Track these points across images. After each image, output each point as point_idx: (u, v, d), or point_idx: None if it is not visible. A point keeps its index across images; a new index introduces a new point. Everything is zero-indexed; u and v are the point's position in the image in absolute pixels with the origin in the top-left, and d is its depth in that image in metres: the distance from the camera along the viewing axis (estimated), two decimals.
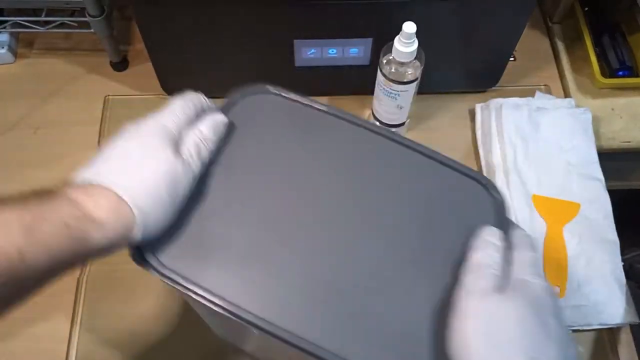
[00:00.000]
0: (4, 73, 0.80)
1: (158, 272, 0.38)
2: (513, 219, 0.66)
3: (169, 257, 0.39)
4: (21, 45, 0.83)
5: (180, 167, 0.38)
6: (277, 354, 0.51)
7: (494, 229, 0.40)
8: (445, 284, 0.38)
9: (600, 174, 0.69)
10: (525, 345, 0.34)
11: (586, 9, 0.83)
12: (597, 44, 0.81)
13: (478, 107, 0.75)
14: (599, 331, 0.63)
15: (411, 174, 0.43)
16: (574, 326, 0.61)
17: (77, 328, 0.62)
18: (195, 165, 0.40)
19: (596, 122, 0.75)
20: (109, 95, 0.78)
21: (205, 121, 0.42)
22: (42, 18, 0.75)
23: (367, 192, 0.42)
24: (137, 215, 0.36)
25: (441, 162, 0.44)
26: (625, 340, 0.63)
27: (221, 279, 0.38)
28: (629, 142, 0.76)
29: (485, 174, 0.71)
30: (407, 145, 0.44)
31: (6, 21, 0.76)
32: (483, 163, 0.72)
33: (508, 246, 0.40)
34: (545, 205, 0.67)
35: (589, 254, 0.64)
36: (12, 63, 0.81)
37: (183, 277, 0.38)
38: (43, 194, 0.35)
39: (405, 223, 0.41)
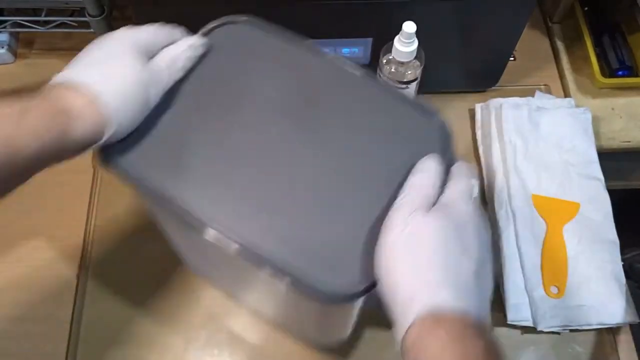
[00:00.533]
0: (3, 73, 0.80)
1: (124, 173, 0.41)
2: (513, 219, 0.66)
3: (134, 161, 0.42)
4: (21, 45, 0.83)
5: (147, 73, 0.41)
6: (228, 272, 0.55)
7: (434, 155, 0.42)
8: (383, 205, 0.41)
9: (600, 174, 0.69)
10: (441, 258, 0.36)
11: (586, 8, 0.83)
12: (597, 43, 0.81)
13: (478, 107, 0.75)
14: (599, 331, 0.63)
15: (366, 105, 0.46)
16: (573, 326, 0.61)
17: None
18: (165, 74, 0.43)
19: (596, 122, 0.76)
20: None
21: (182, 41, 0.46)
22: (42, 18, 0.75)
23: (320, 120, 0.45)
24: (110, 111, 0.39)
25: (398, 96, 0.47)
26: (625, 340, 0.63)
27: (181, 184, 0.41)
28: (629, 142, 0.76)
29: (485, 173, 0.71)
30: (367, 77, 0.47)
31: (6, 21, 0.76)
32: (483, 163, 0.72)
33: (448, 176, 0.41)
34: (545, 205, 0.67)
35: (589, 254, 0.64)
36: (12, 63, 0.81)
37: (143, 179, 0.41)
38: (26, 94, 0.38)
39: (353, 149, 0.44)
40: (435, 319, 0.34)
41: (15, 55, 0.82)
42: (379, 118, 0.45)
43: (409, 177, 0.41)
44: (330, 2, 0.62)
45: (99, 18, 0.71)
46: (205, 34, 0.48)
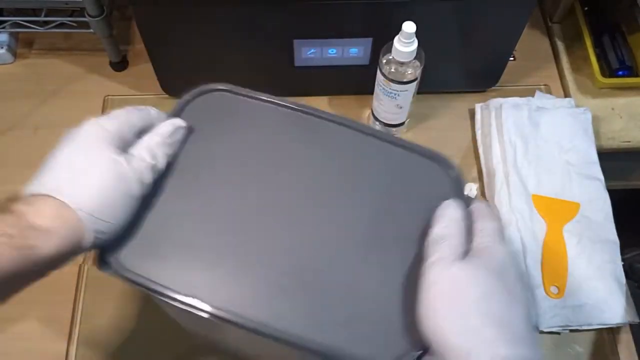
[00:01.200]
0: (3, 73, 0.80)
1: (122, 275, 0.38)
2: (513, 219, 0.66)
3: (131, 259, 0.39)
4: (21, 45, 0.83)
5: (125, 167, 0.38)
6: (249, 345, 0.51)
7: (452, 201, 0.41)
8: (409, 262, 0.39)
9: (600, 174, 0.69)
10: (490, 308, 0.34)
11: (586, 8, 0.83)
12: (597, 43, 0.81)
13: (478, 107, 0.75)
14: (599, 331, 0.63)
15: (368, 158, 0.44)
16: (573, 326, 0.61)
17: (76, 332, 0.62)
18: (147, 166, 0.39)
19: (596, 122, 0.75)
20: (108, 96, 0.78)
21: (160, 126, 0.42)
22: (42, 18, 0.75)
23: (324, 180, 0.43)
24: (84, 218, 0.36)
25: (397, 145, 0.45)
26: (625, 340, 0.63)
27: (184, 276, 0.39)
28: (629, 142, 0.76)
29: (485, 174, 0.71)
30: (362, 130, 0.45)
31: (6, 21, 0.76)
32: (483, 163, 0.72)
33: (469, 219, 0.40)
34: (545, 205, 0.67)
35: (589, 254, 0.64)
36: (11, 63, 0.81)
37: (146, 279, 0.38)
38: None
39: (365, 207, 0.42)
40: None
41: (15, 55, 0.82)
42: (385, 171, 0.43)
43: (432, 228, 0.39)
44: (330, 2, 0.62)
45: (98, 18, 0.71)
46: (181, 109, 0.45)
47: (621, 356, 0.62)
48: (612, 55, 0.80)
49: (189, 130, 0.44)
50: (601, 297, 0.62)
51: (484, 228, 0.39)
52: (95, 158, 0.38)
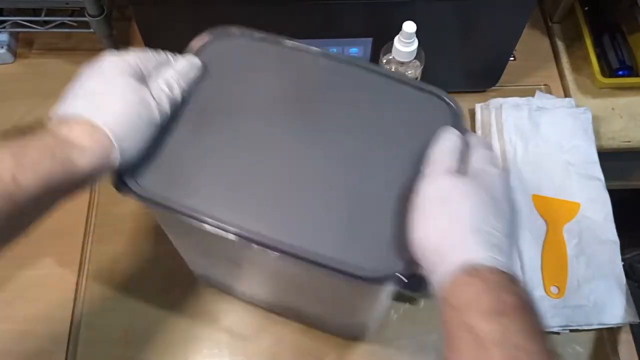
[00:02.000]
0: (3, 73, 0.80)
1: (140, 196, 0.41)
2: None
3: (147, 182, 0.42)
4: (21, 45, 0.83)
5: (146, 94, 0.41)
6: (249, 276, 0.56)
7: (451, 128, 0.43)
8: (408, 181, 0.42)
9: (600, 174, 0.69)
10: (473, 216, 0.37)
11: (586, 8, 0.83)
12: (597, 43, 0.81)
13: (478, 107, 0.75)
14: (599, 331, 0.63)
15: (372, 94, 0.47)
16: (573, 326, 0.61)
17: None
18: (165, 95, 0.42)
19: (596, 122, 0.75)
20: None
21: (177, 62, 0.45)
22: (42, 18, 0.75)
23: (327, 116, 0.45)
24: (112, 138, 0.39)
25: (399, 81, 0.48)
26: (625, 340, 0.63)
27: (197, 196, 0.41)
28: (629, 142, 0.76)
29: None
30: (366, 68, 0.48)
31: (6, 21, 0.76)
32: None
33: (465, 146, 0.42)
34: (545, 205, 0.67)
35: (589, 254, 0.64)
36: (11, 63, 0.81)
37: (163, 198, 0.41)
38: (24, 133, 0.37)
39: (367, 137, 0.44)
40: (472, 271, 0.35)
41: (15, 55, 0.82)
42: (385, 104, 0.46)
43: (430, 150, 0.42)
44: (330, 2, 0.62)
45: (98, 18, 0.71)
46: (197, 51, 0.48)
47: (621, 356, 0.62)
48: (612, 55, 0.80)
49: (204, 70, 0.47)
50: (601, 297, 0.62)
51: (477, 154, 0.42)
52: (119, 84, 0.41)
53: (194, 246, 0.54)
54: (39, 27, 0.76)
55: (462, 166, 0.41)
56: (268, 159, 0.43)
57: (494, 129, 0.72)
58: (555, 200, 0.68)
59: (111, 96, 0.40)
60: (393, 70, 0.63)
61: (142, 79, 0.42)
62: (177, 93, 0.44)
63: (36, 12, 0.78)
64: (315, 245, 0.39)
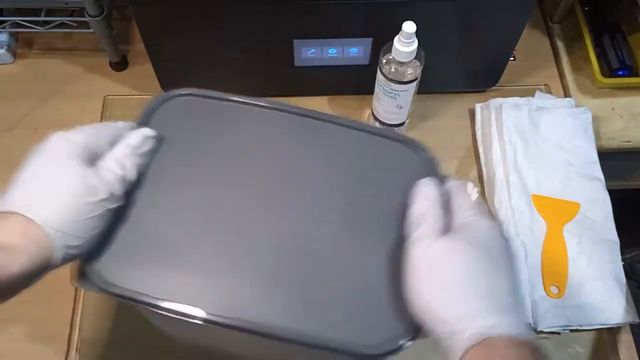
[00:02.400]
0: (3, 73, 0.80)
1: (102, 289, 0.38)
2: (512, 219, 0.66)
3: (110, 272, 0.38)
4: (20, 45, 0.83)
5: (94, 179, 0.37)
6: (238, 344, 0.51)
7: (426, 179, 0.41)
8: (392, 245, 0.39)
9: (600, 174, 0.69)
10: (474, 280, 0.35)
11: (586, 8, 0.83)
12: (597, 43, 0.81)
13: (478, 107, 0.75)
14: (599, 331, 0.63)
15: (338, 147, 0.44)
16: (573, 326, 0.61)
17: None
18: (116, 178, 0.39)
19: (596, 121, 0.75)
20: (108, 95, 0.78)
21: (128, 137, 0.41)
22: (42, 18, 0.75)
23: (299, 172, 0.43)
24: (52, 234, 0.35)
25: (366, 131, 0.45)
26: (625, 340, 0.63)
27: (166, 283, 0.38)
28: (629, 142, 0.76)
29: (485, 173, 0.71)
30: (329, 120, 0.45)
31: (5, 21, 0.76)
32: (483, 163, 0.72)
33: (446, 196, 0.41)
34: (545, 205, 0.67)
35: (589, 254, 0.64)
36: (11, 63, 0.81)
37: (127, 289, 0.38)
38: None
39: (341, 196, 0.42)
40: (487, 345, 0.33)
41: (15, 55, 0.82)
42: (359, 158, 0.44)
43: (410, 208, 0.40)
44: (330, 2, 0.62)
45: (98, 18, 0.71)
46: (147, 117, 0.44)
47: (621, 356, 0.62)
48: (612, 55, 0.80)
49: (159, 139, 0.43)
50: (601, 297, 0.62)
51: (461, 204, 0.39)
52: (62, 171, 0.37)
53: (171, 327, 0.51)
54: (39, 27, 0.76)
55: (447, 218, 0.39)
56: (239, 232, 0.40)
57: (494, 129, 0.72)
58: (555, 200, 0.68)
59: (53, 186, 0.36)
60: (393, 70, 0.63)
61: (92, 159, 0.39)
62: (131, 171, 0.40)
63: (36, 12, 0.78)
64: (312, 326, 0.37)
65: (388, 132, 0.45)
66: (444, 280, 0.36)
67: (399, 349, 0.37)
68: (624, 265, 0.64)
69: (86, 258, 0.38)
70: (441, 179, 0.42)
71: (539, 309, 0.61)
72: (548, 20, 0.85)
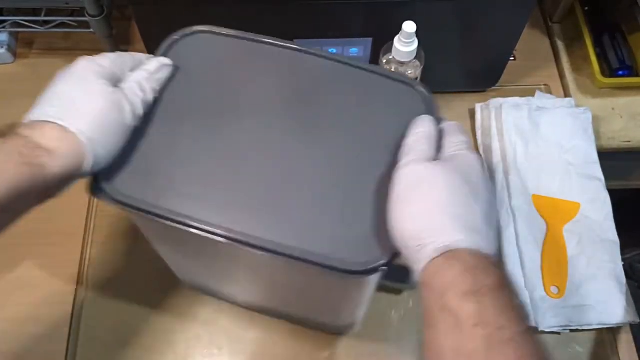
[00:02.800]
0: (3, 73, 0.80)
1: (115, 199, 0.40)
2: (513, 219, 0.66)
3: (124, 186, 0.41)
4: (21, 45, 0.83)
5: (115, 96, 0.41)
6: (234, 278, 0.55)
7: (424, 116, 0.44)
8: (387, 171, 0.42)
9: (600, 174, 0.69)
10: (449, 201, 0.37)
11: (586, 8, 0.83)
12: (597, 43, 0.81)
13: (478, 107, 0.75)
14: (599, 331, 0.63)
15: (343, 86, 0.47)
16: (573, 326, 0.61)
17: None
18: (138, 97, 0.42)
19: (596, 121, 0.75)
20: None
21: (148, 63, 0.45)
22: (42, 18, 0.75)
23: (306, 111, 0.45)
24: (84, 142, 0.38)
25: (369, 71, 0.47)
26: (625, 340, 0.63)
27: (176, 198, 0.41)
28: (629, 142, 0.76)
29: None
30: (336, 60, 0.48)
31: (6, 21, 0.76)
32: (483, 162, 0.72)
33: (440, 133, 0.43)
34: (545, 205, 0.67)
35: (589, 254, 0.64)
36: (11, 63, 0.81)
37: (138, 201, 0.41)
38: None
39: (344, 132, 0.44)
40: (450, 255, 0.35)
41: (15, 55, 0.82)
42: (359, 96, 0.46)
43: (406, 139, 0.42)
44: (330, 2, 0.62)
45: (98, 18, 0.71)
46: (167, 51, 0.47)
47: (621, 356, 0.62)
48: (612, 55, 0.80)
49: (175, 69, 0.46)
50: (601, 297, 0.62)
51: (452, 140, 0.42)
52: (91, 88, 0.40)
53: (175, 251, 0.54)
54: (39, 27, 0.76)
55: (437, 154, 0.41)
56: (246, 157, 0.43)
57: (494, 129, 0.72)
58: (555, 200, 0.68)
59: (84, 100, 0.40)
60: (393, 70, 0.63)
61: (116, 81, 0.42)
62: (149, 94, 0.43)
63: (36, 12, 0.78)
64: (301, 243, 0.39)
65: (391, 74, 0.48)
66: (420, 200, 0.38)
67: (377, 270, 0.39)
68: (624, 265, 0.64)
69: (103, 172, 0.41)
70: (438, 119, 0.44)
71: (539, 309, 0.61)
72: (548, 20, 0.85)
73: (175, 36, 0.48)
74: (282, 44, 0.48)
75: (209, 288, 0.63)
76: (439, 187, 0.38)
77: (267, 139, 0.44)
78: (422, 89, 0.46)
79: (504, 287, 0.35)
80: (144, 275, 0.65)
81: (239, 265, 0.50)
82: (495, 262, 0.36)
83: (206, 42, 0.49)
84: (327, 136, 0.44)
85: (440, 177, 0.38)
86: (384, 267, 0.39)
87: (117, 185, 0.41)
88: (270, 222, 0.40)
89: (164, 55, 0.47)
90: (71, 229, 0.68)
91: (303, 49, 0.48)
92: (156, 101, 0.44)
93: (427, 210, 0.37)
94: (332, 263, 0.39)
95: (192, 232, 0.40)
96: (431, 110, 0.45)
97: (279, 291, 0.56)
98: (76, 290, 0.64)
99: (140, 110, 0.42)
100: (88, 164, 0.39)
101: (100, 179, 0.41)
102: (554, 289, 0.63)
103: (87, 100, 0.40)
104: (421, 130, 0.42)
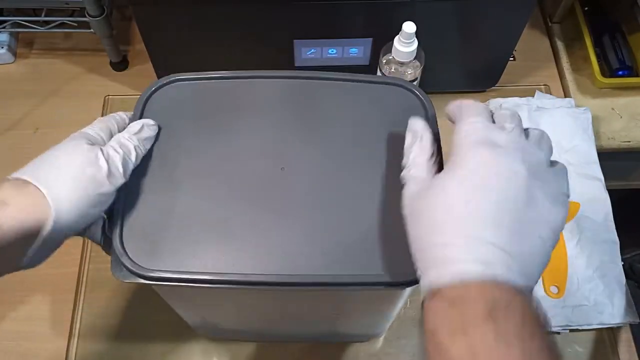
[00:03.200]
0: (3, 73, 0.80)
1: (146, 277, 0.38)
2: None
3: (143, 260, 0.39)
4: (21, 45, 0.83)
5: (95, 153, 0.39)
6: (252, 318, 0.54)
7: (412, 118, 0.41)
8: (392, 185, 0.41)
9: (600, 174, 0.69)
10: (460, 222, 0.32)
11: (586, 8, 0.83)
12: (597, 43, 0.81)
13: None
14: (599, 331, 0.63)
15: (334, 100, 0.45)
16: (573, 326, 0.61)
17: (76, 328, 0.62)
18: (117, 155, 0.40)
19: (596, 122, 0.75)
20: (108, 95, 0.78)
21: (130, 125, 0.43)
22: (42, 18, 0.75)
23: (298, 131, 0.44)
24: (44, 191, 0.36)
25: (358, 81, 0.46)
26: (625, 340, 0.63)
27: (197, 258, 0.39)
28: (629, 142, 0.76)
29: None
30: (320, 77, 0.46)
31: (6, 21, 0.76)
32: None
33: (435, 137, 0.41)
34: None
35: (589, 254, 0.64)
36: (11, 63, 0.81)
37: (163, 272, 0.38)
38: None
39: (343, 145, 0.43)
40: (456, 287, 0.31)
41: (15, 55, 0.82)
42: (352, 106, 0.45)
43: (405, 147, 0.40)
44: (330, 2, 0.62)
45: (98, 18, 0.71)
46: (143, 105, 0.45)
47: (621, 356, 0.62)
48: (612, 55, 0.80)
49: (157, 127, 0.44)
50: (601, 298, 0.62)
51: (460, 125, 0.37)
52: (70, 148, 0.39)
53: (200, 308, 0.52)
54: (39, 27, 0.76)
55: (434, 158, 0.39)
56: (252, 194, 0.41)
57: None
58: None
59: (54, 155, 0.39)
60: (393, 70, 0.63)
61: (97, 143, 0.41)
62: (132, 153, 0.41)
63: (36, 12, 0.78)
64: (335, 269, 0.38)
65: (379, 78, 0.47)
66: (429, 215, 0.33)
67: (417, 280, 0.36)
68: (623, 265, 0.64)
69: (118, 251, 0.39)
70: (432, 118, 0.44)
71: None
72: (548, 20, 0.85)
73: (146, 91, 0.46)
74: (257, 75, 0.46)
75: (229, 331, 0.61)
76: (445, 201, 0.33)
77: (267, 172, 0.42)
78: (415, 88, 0.46)
79: (524, 329, 0.29)
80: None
81: (270, 304, 0.49)
82: (520, 297, 0.30)
83: (179, 90, 0.46)
84: (330, 155, 0.43)
85: (443, 189, 0.33)
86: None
87: (137, 261, 0.39)
88: (302, 256, 0.39)
89: (140, 109, 0.45)
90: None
91: (282, 75, 0.46)
92: (144, 161, 0.43)
93: (426, 232, 0.33)
94: (377, 280, 0.38)
95: (222, 288, 0.39)
96: (427, 109, 0.45)
97: (312, 317, 0.55)
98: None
99: (120, 170, 0.40)
100: (50, 218, 0.36)
101: (118, 256, 0.39)
102: (553, 289, 0.63)
103: (57, 154, 0.39)
104: (413, 134, 0.40)
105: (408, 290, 0.42)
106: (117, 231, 0.40)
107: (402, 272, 0.38)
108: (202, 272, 0.38)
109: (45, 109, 0.77)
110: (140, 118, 0.44)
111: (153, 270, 0.38)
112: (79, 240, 0.67)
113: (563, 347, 0.62)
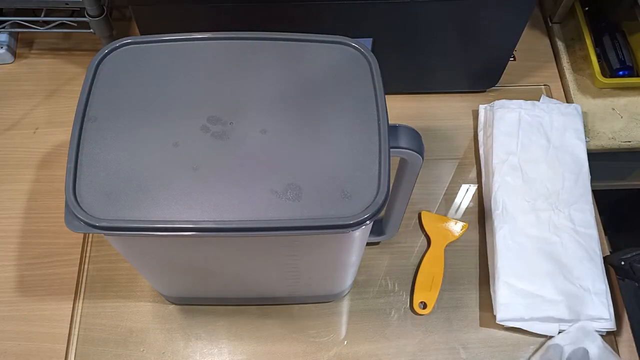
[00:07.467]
0: (3, 73, 0.80)
1: (98, 227, 0.39)
2: (511, 216, 0.66)
3: (101, 211, 0.40)
4: (20, 45, 0.83)
5: None
6: (227, 272, 0.55)
7: None
8: (355, 129, 0.43)
9: (587, 172, 0.69)
10: None
11: (586, 8, 0.83)
12: (597, 43, 0.81)
13: (482, 108, 0.75)
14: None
15: (284, 59, 0.46)
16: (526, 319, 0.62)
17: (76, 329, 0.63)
18: None
19: (596, 122, 0.76)
20: None
21: None
22: (42, 18, 0.75)
23: (247, 90, 0.45)
24: None
25: (301, 40, 0.47)
26: (625, 340, 0.63)
27: (150, 209, 0.40)
28: (629, 142, 0.76)
29: (483, 174, 0.72)
30: (265, 38, 0.47)
31: (5, 21, 0.76)
32: (482, 163, 0.72)
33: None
34: (432, 221, 0.68)
35: (573, 251, 0.65)
36: (11, 63, 0.81)
37: (123, 222, 0.39)
38: None
39: (297, 101, 0.44)
40: None
41: (15, 55, 0.82)
42: (301, 64, 0.46)
43: None
44: (331, 2, 0.62)
45: (98, 18, 0.71)
46: (95, 68, 0.47)
47: (621, 356, 0.62)
48: (612, 55, 0.80)
49: (112, 87, 0.46)
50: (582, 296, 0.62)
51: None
52: None
53: (159, 266, 0.53)
54: (39, 27, 0.76)
55: None
56: (198, 150, 0.42)
57: (496, 130, 0.72)
58: (442, 217, 0.69)
59: None
60: None
61: None
62: None
63: (36, 12, 0.78)
64: (285, 214, 0.39)
65: (320, 37, 0.48)
66: None
67: (365, 221, 0.39)
68: (624, 265, 0.64)
69: (70, 202, 0.40)
70: (377, 72, 0.45)
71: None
72: (548, 20, 0.85)
73: (98, 54, 0.48)
74: (207, 36, 0.48)
75: (197, 296, 0.62)
76: None
77: (216, 127, 0.43)
78: (363, 47, 0.46)
79: None
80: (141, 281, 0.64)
81: (231, 258, 0.50)
82: None
83: (131, 53, 0.48)
84: (282, 109, 0.44)
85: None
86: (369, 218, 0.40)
87: (90, 212, 0.39)
88: (257, 202, 0.40)
89: (92, 75, 0.47)
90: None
91: (229, 36, 0.47)
92: (101, 117, 0.44)
93: None
94: (331, 223, 0.39)
95: (182, 236, 0.39)
96: (370, 63, 0.46)
97: (272, 273, 0.56)
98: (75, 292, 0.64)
99: None
100: None
101: (71, 209, 0.40)
102: (421, 305, 0.63)
103: None
104: None
105: (358, 236, 0.44)
106: (70, 184, 0.40)
107: (349, 215, 0.39)
108: (153, 221, 0.39)
109: (45, 109, 0.77)
110: (92, 80, 0.46)
111: (104, 220, 0.39)
112: (79, 240, 0.67)
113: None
